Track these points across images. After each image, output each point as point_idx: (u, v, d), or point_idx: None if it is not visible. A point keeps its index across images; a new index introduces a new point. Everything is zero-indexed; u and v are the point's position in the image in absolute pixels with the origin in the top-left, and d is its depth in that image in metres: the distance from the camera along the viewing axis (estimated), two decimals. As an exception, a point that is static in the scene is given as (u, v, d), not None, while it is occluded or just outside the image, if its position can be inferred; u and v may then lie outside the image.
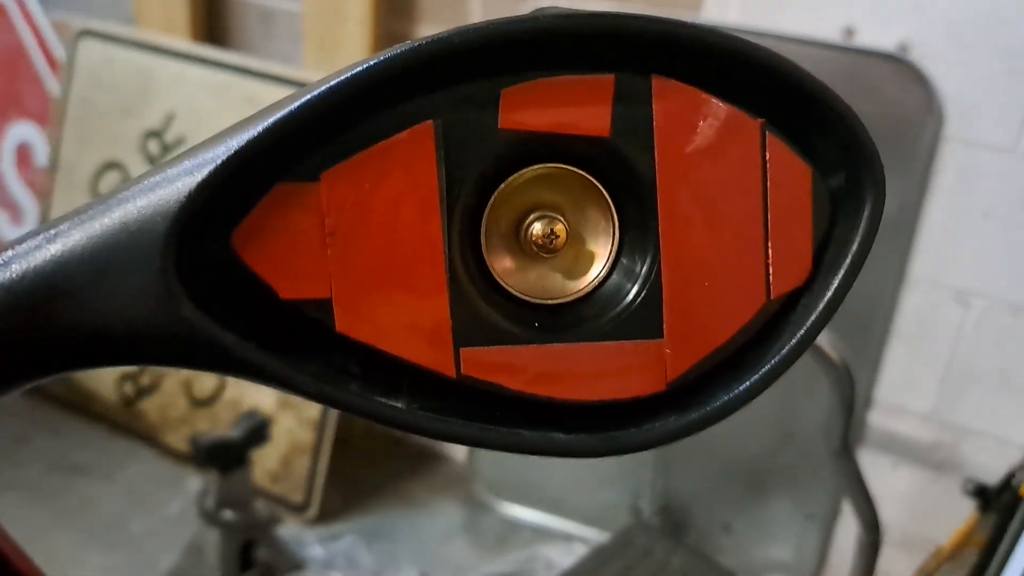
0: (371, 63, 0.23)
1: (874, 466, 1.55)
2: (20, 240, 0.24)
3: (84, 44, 2.03)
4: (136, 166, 2.03)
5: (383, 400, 0.25)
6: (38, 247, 0.24)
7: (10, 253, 0.24)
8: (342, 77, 0.23)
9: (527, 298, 0.26)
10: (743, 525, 1.77)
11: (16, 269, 0.23)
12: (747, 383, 0.26)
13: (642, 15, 0.24)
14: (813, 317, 0.26)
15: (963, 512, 1.42)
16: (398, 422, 0.25)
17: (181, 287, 0.23)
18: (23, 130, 2.22)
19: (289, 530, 1.78)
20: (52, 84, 2.17)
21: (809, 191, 0.26)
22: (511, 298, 0.26)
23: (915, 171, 1.42)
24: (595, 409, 0.26)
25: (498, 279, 0.26)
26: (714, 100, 0.25)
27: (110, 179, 2.06)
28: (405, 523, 1.92)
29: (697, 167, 0.26)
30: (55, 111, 2.11)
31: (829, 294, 0.26)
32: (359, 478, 2.00)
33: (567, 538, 1.87)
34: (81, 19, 2.05)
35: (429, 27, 1.75)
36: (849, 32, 1.43)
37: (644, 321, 0.26)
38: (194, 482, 1.88)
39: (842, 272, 0.26)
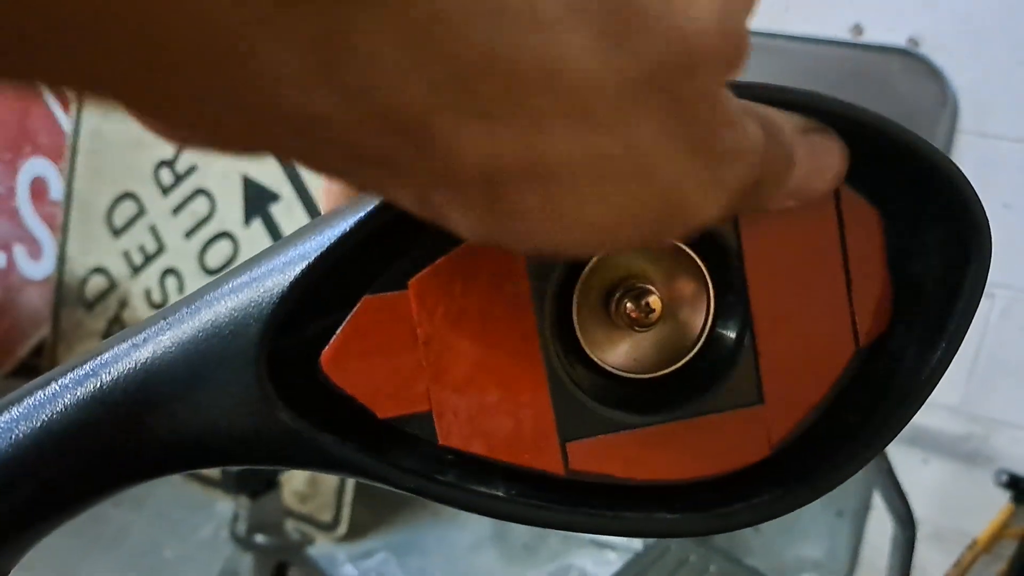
0: None
1: (904, 460, 1.55)
2: (108, 344, 0.24)
3: (92, 76, 2.03)
4: (149, 196, 2.03)
5: (483, 489, 0.24)
6: (127, 353, 0.23)
7: (99, 360, 0.23)
8: None
9: (624, 374, 0.26)
10: (772, 524, 1.76)
11: (106, 379, 0.23)
12: (854, 455, 0.26)
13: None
14: (923, 376, 0.26)
15: (996, 504, 1.42)
16: (501, 512, 0.24)
17: (276, 392, 0.23)
18: (37, 165, 2.22)
19: (320, 549, 1.78)
20: (64, 119, 2.17)
21: (880, 235, 0.26)
22: (608, 376, 0.26)
23: (932, 165, 1.42)
24: (700, 484, 0.26)
25: (592, 357, 0.26)
26: None
27: (125, 209, 2.06)
28: (434, 536, 1.92)
29: (777, 224, 0.25)
30: (68, 145, 2.12)
31: (938, 354, 0.26)
32: (386, 493, 1.98)
33: (597, 546, 1.86)
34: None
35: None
36: (857, 30, 1.42)
37: (743, 388, 0.26)
38: (224, 504, 1.88)
39: (949, 332, 0.26)
